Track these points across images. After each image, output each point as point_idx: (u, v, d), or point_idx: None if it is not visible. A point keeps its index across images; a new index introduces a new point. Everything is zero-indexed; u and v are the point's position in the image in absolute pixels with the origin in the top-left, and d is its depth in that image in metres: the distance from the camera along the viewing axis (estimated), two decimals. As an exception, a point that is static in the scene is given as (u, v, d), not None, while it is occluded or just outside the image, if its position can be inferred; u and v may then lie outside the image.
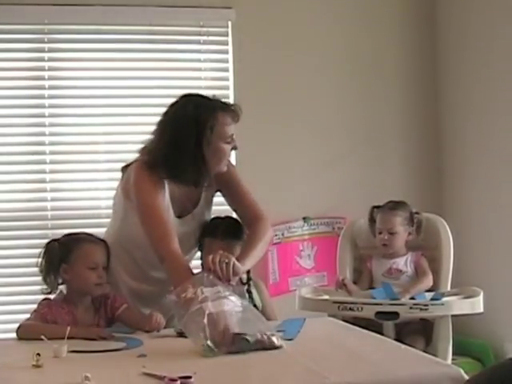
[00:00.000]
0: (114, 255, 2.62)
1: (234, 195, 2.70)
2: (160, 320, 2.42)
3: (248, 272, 2.67)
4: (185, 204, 2.65)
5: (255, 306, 2.66)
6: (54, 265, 2.54)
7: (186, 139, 2.48)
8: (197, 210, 2.66)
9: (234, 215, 2.80)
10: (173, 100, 2.62)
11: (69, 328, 2.21)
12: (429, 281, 3.26)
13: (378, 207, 3.44)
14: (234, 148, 2.59)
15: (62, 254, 2.54)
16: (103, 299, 2.56)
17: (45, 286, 2.58)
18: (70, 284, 2.54)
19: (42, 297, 4.12)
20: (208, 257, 2.33)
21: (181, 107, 2.55)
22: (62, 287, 2.59)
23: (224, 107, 2.54)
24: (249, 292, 2.68)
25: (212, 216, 2.75)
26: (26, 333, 2.36)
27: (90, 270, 2.50)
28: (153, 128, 2.60)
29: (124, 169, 2.66)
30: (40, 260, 2.56)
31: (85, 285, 2.51)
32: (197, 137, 2.48)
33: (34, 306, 3.93)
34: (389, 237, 3.32)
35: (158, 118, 2.61)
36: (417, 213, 3.41)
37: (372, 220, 3.45)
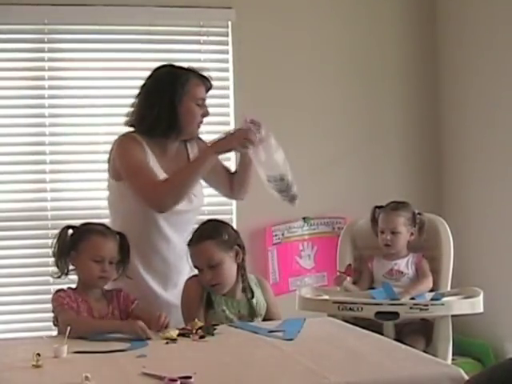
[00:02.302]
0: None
1: (216, 167, 2.81)
2: (166, 320, 2.42)
3: (242, 268, 2.67)
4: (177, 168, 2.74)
5: (253, 309, 2.65)
6: (63, 251, 2.55)
7: (160, 97, 2.68)
8: None
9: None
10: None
11: (97, 319, 2.20)
12: (429, 283, 3.25)
13: (380, 207, 3.44)
14: (205, 114, 2.75)
15: (72, 242, 2.55)
16: (115, 292, 2.58)
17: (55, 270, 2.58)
18: (77, 272, 2.56)
19: (41, 297, 4.14)
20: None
21: (156, 73, 2.78)
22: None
23: (196, 72, 2.75)
24: (251, 293, 2.67)
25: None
26: (79, 329, 2.30)
27: (95, 263, 2.51)
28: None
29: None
30: (53, 243, 2.57)
31: (88, 276, 2.52)
32: (169, 94, 2.67)
33: (34, 306, 3.99)
34: (391, 237, 3.31)
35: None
36: (419, 213, 3.40)
37: (374, 220, 3.44)
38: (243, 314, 2.63)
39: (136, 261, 2.69)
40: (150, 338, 2.27)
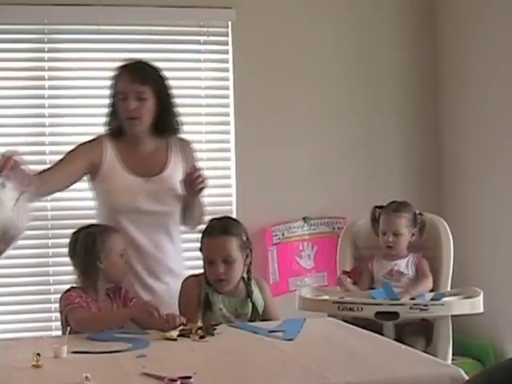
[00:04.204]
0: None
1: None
2: (181, 321, 2.41)
3: (248, 271, 2.69)
4: (150, 166, 2.80)
5: (255, 306, 2.66)
6: (92, 255, 2.55)
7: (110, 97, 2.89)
8: (165, 174, 2.80)
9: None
10: None
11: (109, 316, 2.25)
12: (429, 283, 3.25)
13: (380, 207, 3.43)
14: (126, 108, 2.77)
15: (99, 245, 2.56)
16: (116, 289, 2.61)
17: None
18: (105, 273, 2.55)
19: (41, 297, 4.13)
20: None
21: None
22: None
23: (123, 67, 2.85)
24: (250, 292, 2.68)
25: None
26: (88, 326, 2.36)
27: (121, 258, 2.58)
28: None
29: None
30: (77, 251, 2.57)
31: (119, 272, 2.58)
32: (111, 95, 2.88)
33: (34, 306, 3.99)
34: (393, 239, 3.31)
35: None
36: (420, 214, 3.40)
37: (374, 220, 3.44)
38: (240, 312, 2.63)
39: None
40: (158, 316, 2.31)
